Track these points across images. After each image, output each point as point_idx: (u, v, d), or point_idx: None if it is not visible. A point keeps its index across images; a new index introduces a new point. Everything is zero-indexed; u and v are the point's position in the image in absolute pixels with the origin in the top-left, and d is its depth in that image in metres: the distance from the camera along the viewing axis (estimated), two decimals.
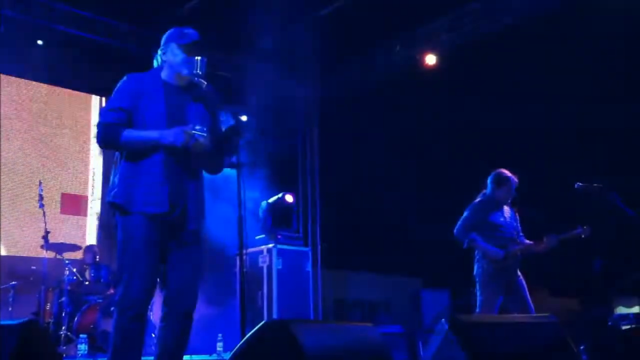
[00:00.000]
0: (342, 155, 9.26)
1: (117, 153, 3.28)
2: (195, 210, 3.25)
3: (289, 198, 8.01)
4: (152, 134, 3.15)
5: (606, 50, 7.04)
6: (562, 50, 7.34)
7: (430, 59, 8.29)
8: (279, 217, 7.90)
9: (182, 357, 3.23)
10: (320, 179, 9.51)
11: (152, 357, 3.24)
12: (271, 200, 7.92)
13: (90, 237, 8.29)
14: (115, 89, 3.27)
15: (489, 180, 5.25)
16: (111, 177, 3.24)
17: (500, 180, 5.19)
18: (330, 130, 9.42)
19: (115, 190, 3.16)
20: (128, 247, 3.11)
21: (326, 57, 9.03)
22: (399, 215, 9.13)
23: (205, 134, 3.15)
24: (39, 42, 7.58)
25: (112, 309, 6.20)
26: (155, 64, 3.42)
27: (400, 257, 9.35)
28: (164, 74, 3.34)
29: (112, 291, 6.67)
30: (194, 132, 3.13)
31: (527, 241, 5.22)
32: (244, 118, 7.57)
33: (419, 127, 8.92)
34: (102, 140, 3.22)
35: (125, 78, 3.30)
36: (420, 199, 9.05)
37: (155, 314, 6.18)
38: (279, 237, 7.71)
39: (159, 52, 3.37)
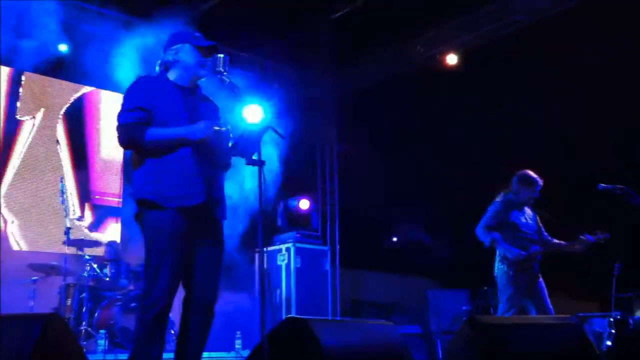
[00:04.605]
0: (361, 156, 9.25)
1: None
2: (224, 202, 3.29)
3: (305, 204, 8.07)
4: (179, 130, 3.11)
5: (625, 47, 6.95)
6: (580, 49, 7.26)
7: (451, 59, 8.25)
8: (298, 216, 7.93)
9: (203, 351, 3.23)
10: (340, 179, 9.51)
11: (172, 354, 3.25)
12: (290, 200, 7.96)
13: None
14: (128, 91, 3.20)
15: (514, 180, 5.21)
16: (134, 175, 3.18)
17: (527, 181, 5.16)
18: (349, 130, 9.41)
19: (145, 187, 3.11)
20: (156, 245, 3.07)
21: (344, 58, 9.03)
22: (416, 215, 9.11)
23: (226, 128, 3.17)
24: (61, 39, 7.64)
25: (132, 305, 6.24)
26: (159, 66, 3.32)
27: (417, 257, 9.33)
28: (172, 76, 3.27)
29: (132, 288, 6.71)
30: (217, 127, 3.14)
31: (557, 241, 5.20)
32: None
33: (436, 127, 8.89)
34: (125, 141, 3.15)
35: (135, 80, 3.25)
36: (438, 199, 9.01)
37: (174, 310, 6.21)
38: (298, 235, 7.73)
39: (169, 53, 3.28)
